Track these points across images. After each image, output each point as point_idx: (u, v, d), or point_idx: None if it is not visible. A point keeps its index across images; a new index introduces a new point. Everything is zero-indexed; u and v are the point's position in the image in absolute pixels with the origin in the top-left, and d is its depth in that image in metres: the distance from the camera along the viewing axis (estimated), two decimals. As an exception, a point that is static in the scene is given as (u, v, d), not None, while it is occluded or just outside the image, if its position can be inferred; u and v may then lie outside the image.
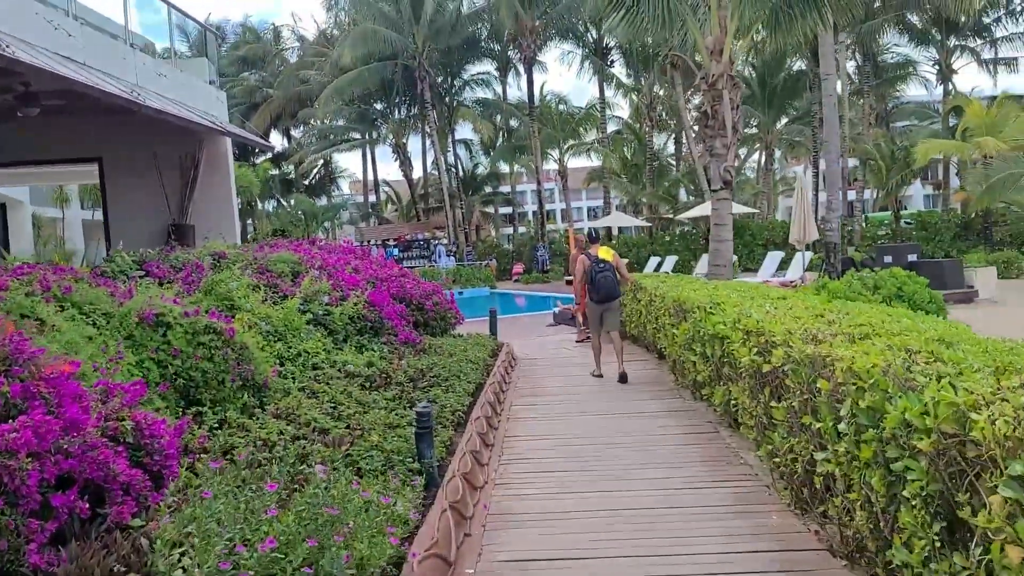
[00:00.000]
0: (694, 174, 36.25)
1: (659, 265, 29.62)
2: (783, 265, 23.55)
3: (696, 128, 12.48)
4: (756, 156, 46.07)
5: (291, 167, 43.02)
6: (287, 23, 69.56)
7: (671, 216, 38.20)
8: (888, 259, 19.14)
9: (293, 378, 7.21)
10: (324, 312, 8.69)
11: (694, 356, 8.13)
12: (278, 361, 7.39)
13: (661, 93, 37.64)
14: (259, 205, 38.41)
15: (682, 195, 41.91)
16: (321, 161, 44.15)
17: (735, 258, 27.12)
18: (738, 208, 29.89)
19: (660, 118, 40.50)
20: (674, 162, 43.64)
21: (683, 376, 9.05)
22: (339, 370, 7.63)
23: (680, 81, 31.68)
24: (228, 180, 15.00)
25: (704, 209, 29.24)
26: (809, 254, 21.60)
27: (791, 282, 17.73)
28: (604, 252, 10.34)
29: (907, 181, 31.23)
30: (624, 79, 39.25)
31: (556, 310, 17.90)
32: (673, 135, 43.43)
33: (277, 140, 45.41)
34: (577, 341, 14.42)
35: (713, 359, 7.36)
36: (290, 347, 7.68)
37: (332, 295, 9.05)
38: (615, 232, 40.06)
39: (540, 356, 13.05)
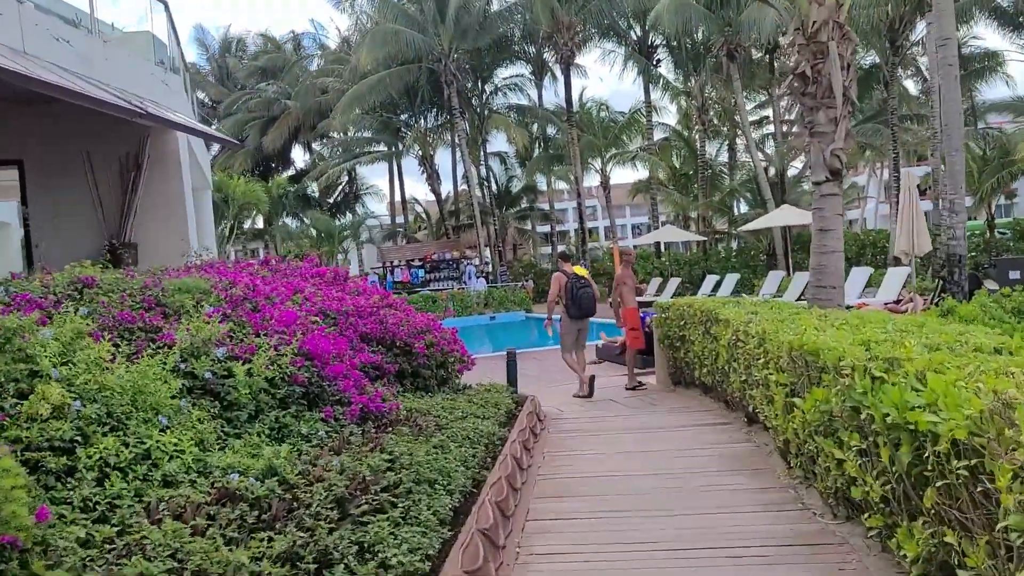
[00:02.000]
0: (753, 182, 32.57)
1: (717, 284, 25.98)
2: (871, 283, 19.77)
3: (793, 102, 8.87)
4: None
5: (313, 183, 40.26)
6: (309, 31, 66.87)
7: (727, 230, 34.53)
8: (1016, 275, 15.37)
9: (109, 509, 3.89)
10: (222, 373, 5.37)
11: (840, 450, 4.64)
12: (99, 472, 4.10)
13: (713, 95, 34.03)
14: (276, 222, 35.53)
15: (738, 207, 38.21)
16: (346, 177, 41.30)
17: (780, 275, 23.34)
18: (797, 216, 26.15)
19: (711, 123, 36.84)
20: (727, 171, 39.92)
21: (809, 472, 5.55)
22: (211, 487, 4.30)
23: (737, 76, 28.07)
24: (181, 187, 11.90)
25: (769, 220, 25.55)
26: (907, 269, 17.87)
27: (899, 305, 14.04)
28: (580, 270, 10.62)
29: (1004, 184, 27.17)
30: (672, 80, 35.69)
31: (600, 343, 14.46)
32: (727, 141, 39.71)
33: (299, 155, 42.83)
34: (627, 388, 10.94)
35: (897, 469, 3.90)
36: (128, 443, 4.36)
37: (243, 344, 5.73)
38: (662, 248, 36.44)
39: (578, 413, 9.60)
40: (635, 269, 33.37)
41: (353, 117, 33.55)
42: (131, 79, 10.91)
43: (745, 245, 33.44)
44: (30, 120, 11.41)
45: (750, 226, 26.57)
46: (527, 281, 33.24)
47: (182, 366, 5.27)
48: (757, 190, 31.54)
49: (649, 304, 12.81)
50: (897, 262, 17.72)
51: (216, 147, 42.52)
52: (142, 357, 5.29)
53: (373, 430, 5.99)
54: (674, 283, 29.13)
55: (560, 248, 31.89)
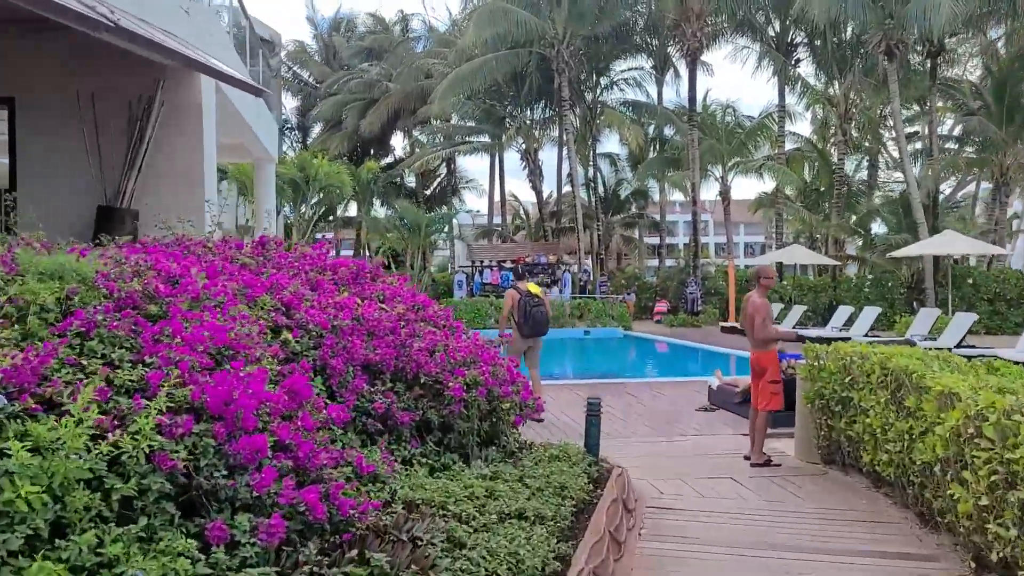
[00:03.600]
0: (897, 203, 28.51)
1: (851, 319, 22.22)
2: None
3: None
4: (974, 187, 37.29)
5: (408, 172, 38.18)
6: (419, 12, 65.17)
7: (861, 255, 30.56)
8: None
9: None
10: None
11: None
12: None
13: (859, 101, 30.03)
14: (365, 210, 33.44)
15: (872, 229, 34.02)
16: (445, 169, 39.05)
17: (934, 313, 19.41)
18: (966, 244, 22.13)
19: (852, 134, 32.77)
20: (864, 189, 35.72)
21: None
22: None
23: (895, 78, 24.10)
24: (201, 146, 9.51)
25: (929, 247, 21.66)
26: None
27: None
28: (533, 288, 10.47)
29: None
30: (812, 83, 31.84)
31: (714, 384, 11.34)
32: (866, 157, 35.47)
33: (398, 142, 40.84)
34: (753, 463, 7.83)
35: None
36: None
37: (70, 384, 3.05)
38: (783, 270, 32.60)
39: (685, 499, 6.58)
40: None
41: (454, 102, 31.10)
42: (151, 7, 8.53)
43: (882, 274, 29.29)
44: (24, 50, 9.27)
45: (904, 252, 22.62)
46: (629, 294, 30.08)
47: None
48: (903, 212, 27.49)
49: (804, 341, 9.61)
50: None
51: (318, 127, 41.06)
52: None
53: (314, 559, 3.23)
54: (798, 312, 25.50)
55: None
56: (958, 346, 16.98)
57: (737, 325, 25.36)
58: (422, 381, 5.50)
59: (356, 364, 5.05)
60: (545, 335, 10.40)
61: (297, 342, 4.75)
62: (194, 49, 8.99)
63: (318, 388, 4.55)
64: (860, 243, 34.90)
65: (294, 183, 25.23)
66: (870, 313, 21.03)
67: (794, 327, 24.25)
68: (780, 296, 28.37)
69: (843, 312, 22.74)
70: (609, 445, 7.51)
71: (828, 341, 8.03)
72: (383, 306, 6.23)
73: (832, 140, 33.59)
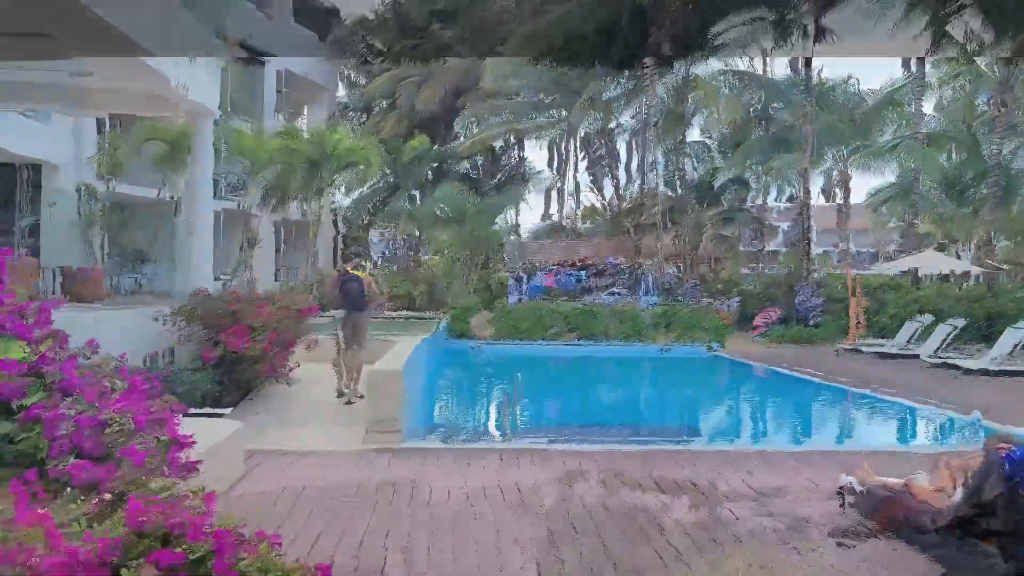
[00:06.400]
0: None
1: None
2: None
3: None
4: None
5: (476, 159, 33.64)
6: None
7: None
8: None
9: None
10: None
11: None
12: None
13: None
14: (404, 196, 28.95)
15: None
16: (516, 156, 34.28)
17: None
18: None
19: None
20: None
21: None
22: None
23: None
24: None
25: None
26: None
27: None
28: (358, 272, 11.48)
29: None
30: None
31: (853, 485, 6.13)
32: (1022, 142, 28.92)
33: (461, 125, 36.28)
34: None
35: None
36: None
37: None
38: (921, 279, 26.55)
39: None
40: (884, 301, 23.95)
41: (514, 70, 26.06)
42: None
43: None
44: None
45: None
46: (734, 301, 24.28)
47: None
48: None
49: None
50: None
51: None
52: None
53: None
54: (942, 332, 19.66)
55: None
56: None
57: (860, 348, 19.81)
58: None
59: None
60: (362, 310, 10.95)
61: None
62: None
63: None
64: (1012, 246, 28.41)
65: (311, 162, 20.95)
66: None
67: (936, 351, 18.52)
68: (920, 307, 22.34)
69: (1013, 335, 16.85)
70: None
71: None
72: None
73: (983, 118, 27.27)
